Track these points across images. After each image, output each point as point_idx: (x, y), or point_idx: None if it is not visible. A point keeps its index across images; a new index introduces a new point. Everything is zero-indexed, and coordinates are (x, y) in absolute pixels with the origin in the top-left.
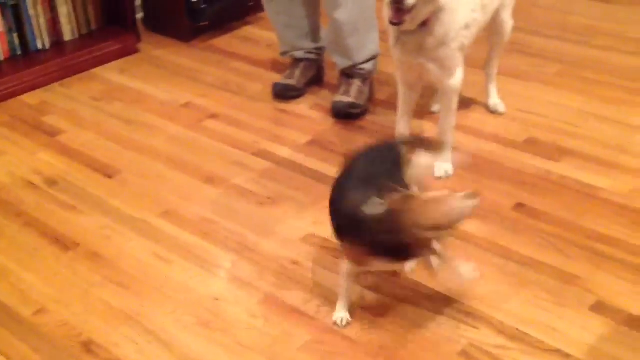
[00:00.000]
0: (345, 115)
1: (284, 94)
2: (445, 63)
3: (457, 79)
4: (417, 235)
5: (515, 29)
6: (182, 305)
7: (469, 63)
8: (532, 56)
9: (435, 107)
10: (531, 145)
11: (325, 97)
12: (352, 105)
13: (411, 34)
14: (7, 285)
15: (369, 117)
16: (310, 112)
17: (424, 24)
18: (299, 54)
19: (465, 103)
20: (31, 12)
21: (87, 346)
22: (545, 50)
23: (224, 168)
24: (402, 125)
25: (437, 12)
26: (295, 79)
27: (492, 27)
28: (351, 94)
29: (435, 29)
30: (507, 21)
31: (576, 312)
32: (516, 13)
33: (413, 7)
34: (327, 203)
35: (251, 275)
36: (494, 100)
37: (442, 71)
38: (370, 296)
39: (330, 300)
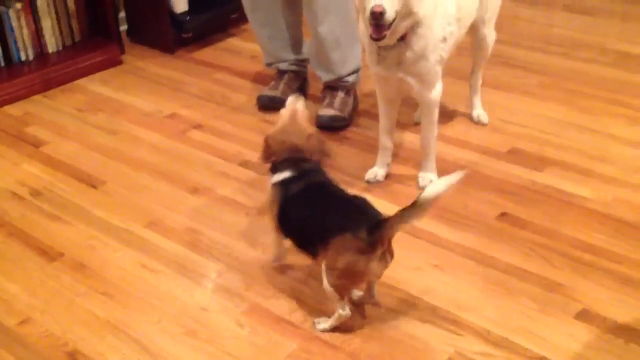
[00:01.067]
0: (329, 127)
1: (269, 105)
2: (425, 77)
3: (437, 91)
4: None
5: (498, 41)
6: (168, 315)
7: (453, 74)
8: (515, 68)
9: (418, 119)
10: (514, 155)
11: (309, 108)
12: (336, 118)
13: (390, 49)
14: None
15: (353, 128)
16: None
17: (402, 38)
18: (283, 66)
19: (449, 114)
20: (14, 23)
21: (73, 356)
22: (528, 62)
23: (209, 178)
24: (385, 138)
25: (415, 26)
26: (279, 90)
27: (475, 40)
28: (335, 106)
29: (413, 42)
30: (489, 34)
31: (561, 320)
32: (499, 26)
33: (392, 22)
34: None
35: (237, 284)
36: (478, 111)
37: (422, 85)
38: (355, 305)
39: (317, 310)
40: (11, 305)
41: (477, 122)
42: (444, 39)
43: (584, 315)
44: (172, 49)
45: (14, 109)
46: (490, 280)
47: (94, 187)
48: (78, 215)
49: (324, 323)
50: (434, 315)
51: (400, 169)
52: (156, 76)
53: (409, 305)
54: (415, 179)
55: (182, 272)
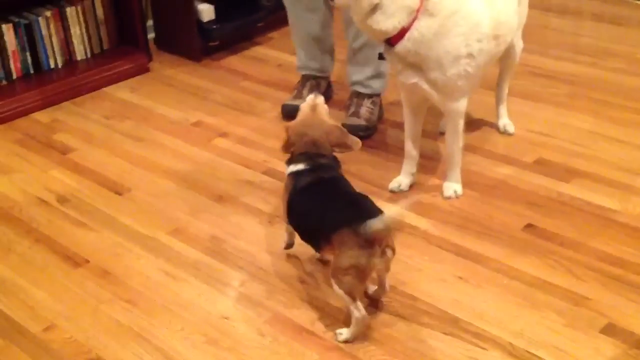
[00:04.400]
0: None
1: (293, 113)
2: (442, 89)
3: (460, 103)
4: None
5: (527, 50)
6: (190, 323)
7: (480, 83)
8: (543, 77)
9: (443, 128)
10: (541, 166)
11: (335, 116)
12: (364, 128)
13: (398, 51)
14: (17, 301)
15: (378, 136)
16: None
17: (402, 36)
18: (308, 72)
19: (476, 123)
20: (44, 31)
21: None
22: (556, 72)
23: (234, 186)
24: (410, 147)
25: (423, 29)
26: (303, 98)
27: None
28: (362, 116)
29: (421, 49)
30: (517, 43)
31: (587, 334)
32: (528, 35)
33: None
34: None
35: (260, 293)
36: (504, 120)
37: (441, 95)
38: (378, 315)
39: (339, 320)
40: (36, 312)
41: (503, 132)
42: (470, 56)
43: (610, 330)
44: (199, 57)
45: (43, 116)
46: (515, 292)
47: (120, 194)
48: (103, 222)
49: (346, 333)
50: (457, 327)
51: (425, 179)
52: (183, 84)
53: (431, 317)
54: (440, 189)
55: (205, 280)
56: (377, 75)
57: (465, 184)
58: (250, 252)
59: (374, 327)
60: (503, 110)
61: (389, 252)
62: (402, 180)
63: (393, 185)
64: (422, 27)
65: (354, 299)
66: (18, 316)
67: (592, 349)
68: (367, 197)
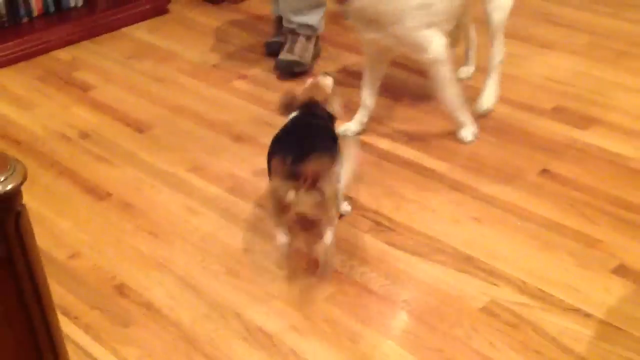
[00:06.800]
0: (289, 73)
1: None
2: (404, 41)
3: (433, 50)
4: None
5: None
6: (211, 255)
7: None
8: (562, 26)
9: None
10: (559, 113)
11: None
12: (296, 64)
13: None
14: (42, 229)
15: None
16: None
17: None
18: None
19: None
20: None
21: (120, 289)
22: (576, 21)
23: (253, 127)
24: (365, 94)
25: None
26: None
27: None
28: (295, 52)
29: (378, 5)
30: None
31: (598, 274)
32: None
33: None
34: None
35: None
36: (483, 98)
37: (407, 48)
38: (393, 252)
39: (355, 255)
40: (61, 240)
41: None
42: (424, 6)
43: (620, 271)
44: (218, 0)
45: (63, 54)
46: (528, 234)
47: (140, 131)
48: (124, 157)
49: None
50: (471, 265)
51: (444, 124)
52: (201, 26)
53: (446, 255)
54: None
55: (225, 216)
56: (313, 12)
57: (483, 129)
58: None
59: (388, 262)
60: (488, 84)
61: (315, 194)
62: (350, 126)
63: (340, 129)
64: None
65: (275, 224)
66: (43, 244)
67: (603, 288)
68: (336, 139)
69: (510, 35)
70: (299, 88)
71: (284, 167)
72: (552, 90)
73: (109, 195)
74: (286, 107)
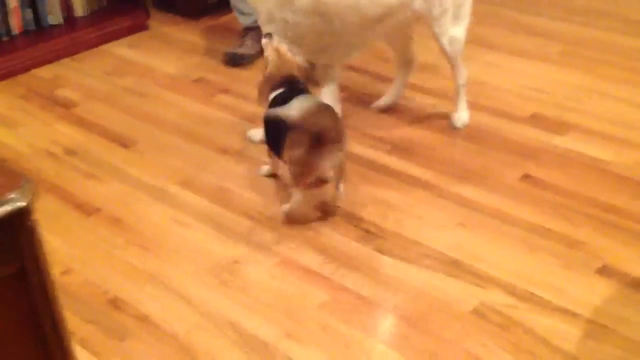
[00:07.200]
0: (234, 64)
1: (237, 62)
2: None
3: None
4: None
5: (520, 10)
6: (202, 267)
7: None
8: (537, 36)
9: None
10: (536, 119)
11: None
12: (241, 57)
13: None
14: None
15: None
16: None
17: None
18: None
19: (472, 79)
20: None
21: (114, 303)
22: (550, 31)
23: (238, 140)
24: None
25: None
26: (246, 46)
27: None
28: (243, 47)
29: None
30: (447, 36)
31: (583, 275)
32: None
33: None
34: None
35: (269, 240)
36: (457, 116)
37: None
38: (382, 259)
39: (345, 263)
40: (52, 257)
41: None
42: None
43: (604, 271)
44: (197, 15)
45: (45, 72)
46: (513, 237)
47: (125, 146)
48: (112, 173)
49: (286, 205)
50: (459, 269)
51: (425, 134)
52: (182, 42)
53: (433, 260)
54: (439, 140)
55: (214, 227)
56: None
57: (465, 137)
58: (259, 202)
59: (378, 269)
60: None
61: (339, 154)
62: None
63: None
64: None
65: (296, 185)
66: None
67: (588, 288)
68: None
69: (487, 45)
70: (264, 64)
71: (309, 135)
72: (529, 98)
73: (97, 210)
74: (268, 89)
